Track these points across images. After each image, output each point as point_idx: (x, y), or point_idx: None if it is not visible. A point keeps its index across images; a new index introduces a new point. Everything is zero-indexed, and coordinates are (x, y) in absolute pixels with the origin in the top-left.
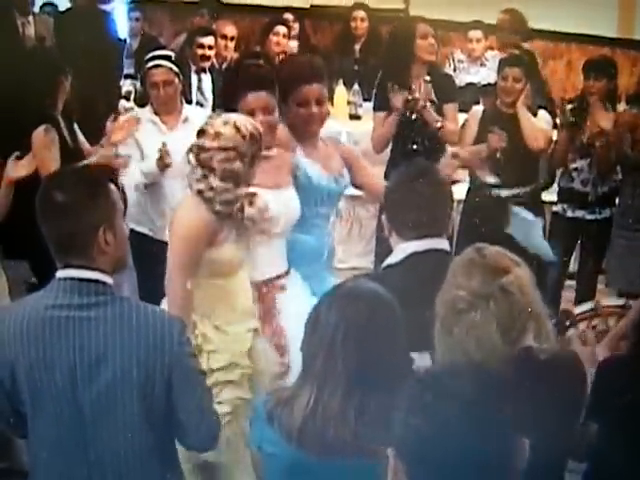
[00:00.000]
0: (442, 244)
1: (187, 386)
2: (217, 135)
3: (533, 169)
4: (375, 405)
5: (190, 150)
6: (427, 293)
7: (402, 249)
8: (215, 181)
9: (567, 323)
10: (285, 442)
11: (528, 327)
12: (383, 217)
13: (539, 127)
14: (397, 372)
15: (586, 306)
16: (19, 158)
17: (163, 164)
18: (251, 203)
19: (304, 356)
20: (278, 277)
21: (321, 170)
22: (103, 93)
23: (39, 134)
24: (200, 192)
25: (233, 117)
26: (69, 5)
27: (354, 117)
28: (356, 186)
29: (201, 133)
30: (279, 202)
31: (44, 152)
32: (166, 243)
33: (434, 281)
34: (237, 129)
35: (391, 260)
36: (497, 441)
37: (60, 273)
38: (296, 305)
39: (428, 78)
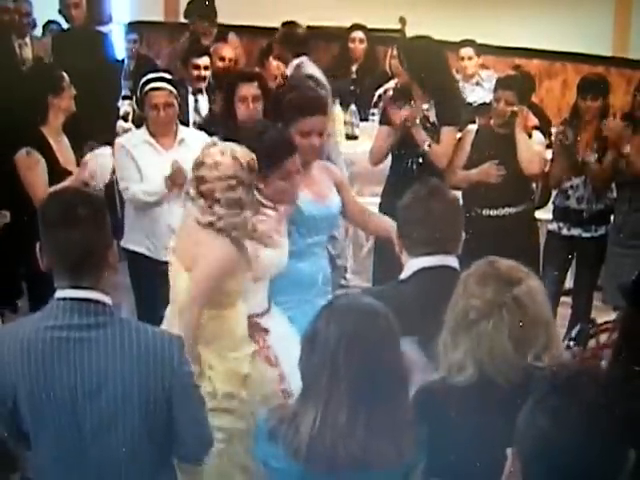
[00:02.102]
0: (451, 261)
1: (186, 402)
2: (216, 165)
3: (526, 189)
4: (382, 418)
5: (190, 183)
6: (435, 308)
7: (412, 265)
8: (222, 210)
9: (591, 332)
10: (292, 459)
11: (539, 337)
12: (395, 234)
13: (536, 151)
14: (399, 385)
15: (609, 317)
16: None
17: (173, 182)
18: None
19: (304, 374)
20: (259, 315)
21: (313, 199)
22: (101, 114)
23: (21, 157)
24: (211, 224)
25: (229, 146)
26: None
27: (351, 137)
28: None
29: (199, 165)
30: (273, 256)
31: (28, 174)
32: (163, 262)
33: (442, 297)
34: (235, 158)
35: (401, 277)
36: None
37: (60, 293)
38: (280, 344)
39: (426, 105)
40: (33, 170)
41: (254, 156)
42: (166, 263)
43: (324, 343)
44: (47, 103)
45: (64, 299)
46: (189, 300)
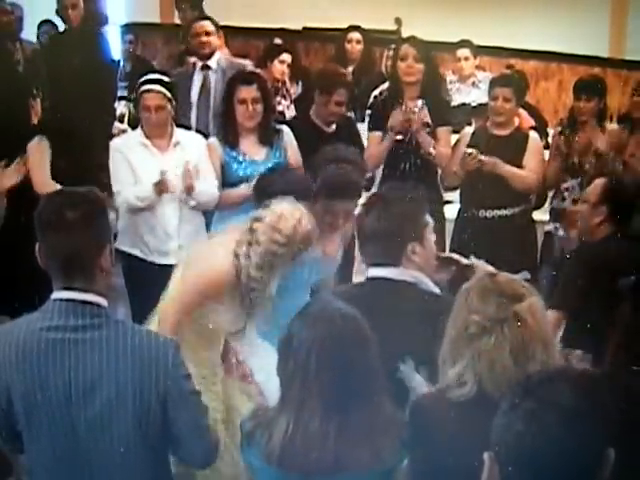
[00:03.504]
0: (394, 273)
1: (182, 406)
2: (280, 217)
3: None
4: (354, 424)
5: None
6: (374, 319)
7: (366, 273)
8: (254, 253)
9: None
10: (266, 463)
11: (537, 353)
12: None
13: (527, 177)
14: (373, 390)
15: None
16: (5, 166)
17: (160, 189)
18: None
19: (280, 380)
20: (232, 334)
21: (322, 257)
22: (98, 115)
23: (34, 144)
24: (237, 255)
25: (302, 211)
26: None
27: None
28: None
29: (261, 217)
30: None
31: (39, 162)
32: (157, 265)
33: (375, 310)
34: (300, 222)
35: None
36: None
37: (56, 294)
38: (255, 357)
39: (421, 102)
40: (43, 158)
41: (315, 230)
42: (159, 266)
43: (297, 348)
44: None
45: (59, 300)
46: (173, 301)
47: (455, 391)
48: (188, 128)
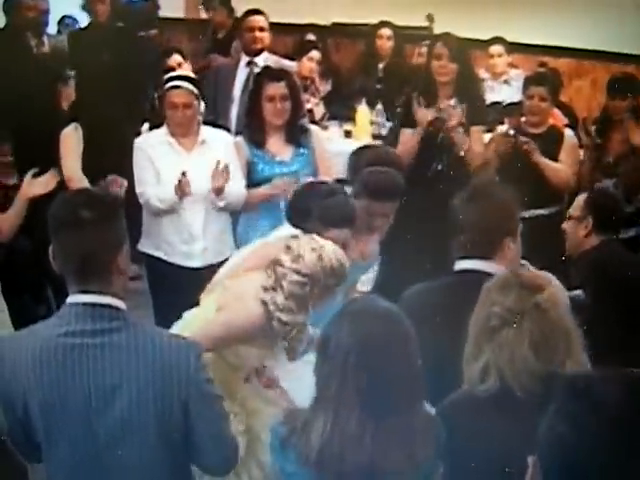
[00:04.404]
0: (485, 266)
1: (204, 411)
2: (298, 258)
3: (557, 190)
4: (391, 426)
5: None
6: (460, 314)
7: (455, 266)
8: (280, 298)
9: None
10: (303, 466)
11: (559, 345)
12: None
13: (562, 170)
14: (412, 392)
15: None
16: (37, 175)
17: (182, 192)
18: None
19: (317, 380)
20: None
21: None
22: (127, 111)
23: (69, 131)
24: (264, 303)
25: (323, 245)
26: (89, 20)
27: (377, 137)
28: None
29: (287, 248)
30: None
31: (68, 145)
32: (180, 267)
33: (464, 302)
34: (320, 259)
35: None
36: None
37: (72, 298)
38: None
39: (454, 100)
40: (73, 143)
41: (344, 261)
42: (184, 268)
43: (335, 349)
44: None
45: (76, 304)
46: (201, 333)
47: (479, 386)
48: (226, 128)
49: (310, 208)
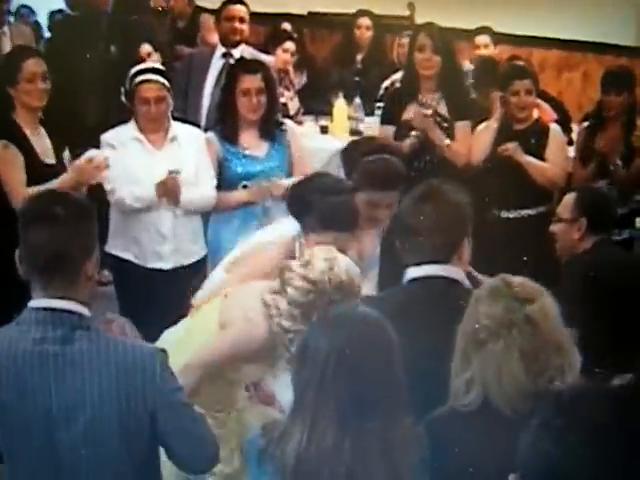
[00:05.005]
0: (446, 271)
1: (173, 420)
2: (308, 264)
3: (546, 189)
4: (374, 437)
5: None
6: (423, 321)
7: (407, 274)
8: (283, 304)
9: None
10: (279, 479)
11: (552, 360)
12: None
13: (548, 169)
14: (394, 402)
15: None
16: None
17: (164, 191)
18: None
19: (294, 390)
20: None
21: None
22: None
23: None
24: (266, 305)
25: (337, 257)
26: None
27: (355, 133)
28: None
29: (298, 254)
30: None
31: (5, 169)
32: (150, 270)
33: (430, 309)
34: (331, 269)
35: (399, 284)
36: (626, 471)
37: (33, 303)
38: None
39: (438, 95)
40: (11, 164)
41: (356, 278)
42: (153, 270)
43: (313, 356)
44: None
45: (37, 309)
46: (195, 362)
47: (461, 399)
48: (196, 123)
49: (311, 202)
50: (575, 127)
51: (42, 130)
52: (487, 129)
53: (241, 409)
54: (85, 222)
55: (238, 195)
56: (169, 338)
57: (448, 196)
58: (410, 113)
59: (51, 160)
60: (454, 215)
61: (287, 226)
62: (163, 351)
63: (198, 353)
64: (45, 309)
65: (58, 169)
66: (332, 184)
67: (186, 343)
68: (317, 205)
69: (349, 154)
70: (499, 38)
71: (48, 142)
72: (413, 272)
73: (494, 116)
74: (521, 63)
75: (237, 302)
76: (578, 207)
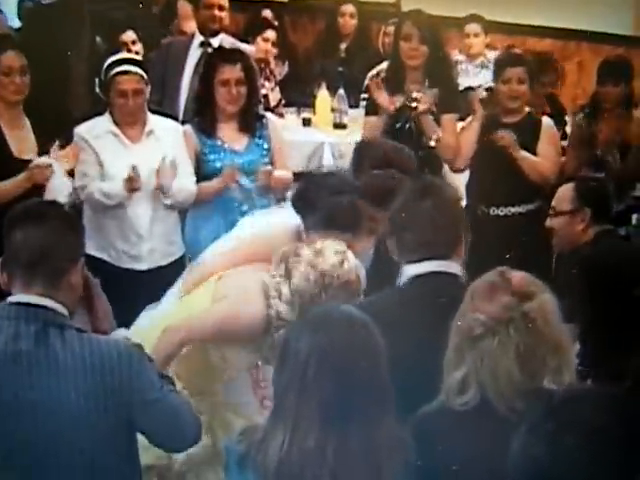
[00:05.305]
0: (448, 267)
1: (152, 415)
2: (319, 253)
3: (535, 186)
4: (358, 440)
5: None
6: (429, 319)
7: (405, 273)
8: (285, 288)
9: None
10: None
11: (548, 360)
12: (388, 240)
13: (541, 164)
14: (379, 405)
15: None
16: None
17: (131, 187)
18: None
19: (275, 391)
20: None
21: None
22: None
23: None
24: (266, 286)
25: (347, 255)
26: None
27: (339, 126)
28: None
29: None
30: None
31: None
32: (127, 270)
33: (436, 306)
34: (341, 265)
35: (397, 285)
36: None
37: (11, 298)
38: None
39: (423, 86)
40: None
41: (362, 278)
42: (129, 270)
43: (294, 357)
44: None
45: (9, 304)
46: (181, 325)
47: (456, 399)
48: (173, 115)
49: (315, 202)
50: (569, 120)
51: (28, 124)
52: (469, 129)
53: (216, 403)
54: (72, 231)
55: (214, 182)
56: (151, 319)
57: (445, 191)
58: (396, 104)
59: (29, 156)
60: (453, 210)
61: (288, 215)
62: (139, 346)
63: (184, 318)
64: (20, 304)
65: None
66: (339, 184)
67: (172, 319)
68: (322, 204)
69: (358, 157)
70: (490, 27)
71: (32, 136)
72: (413, 269)
73: (475, 115)
74: (518, 51)
75: (234, 280)
76: (579, 198)
